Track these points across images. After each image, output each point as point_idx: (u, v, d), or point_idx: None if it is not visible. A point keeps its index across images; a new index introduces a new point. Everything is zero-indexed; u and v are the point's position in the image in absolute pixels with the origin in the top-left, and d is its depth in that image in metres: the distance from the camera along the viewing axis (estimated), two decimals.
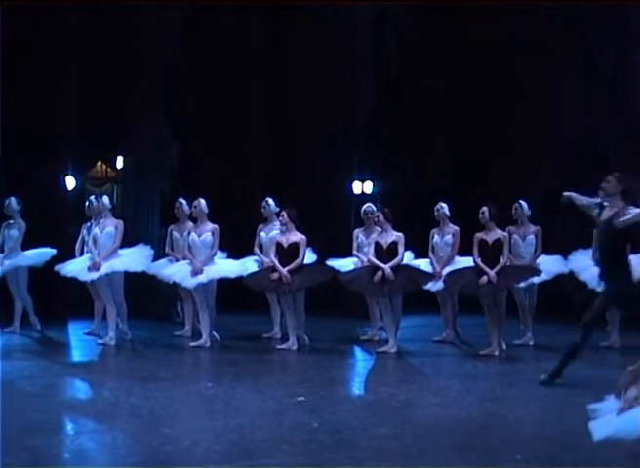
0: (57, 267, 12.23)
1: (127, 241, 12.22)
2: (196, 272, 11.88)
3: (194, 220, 12.33)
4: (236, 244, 12.80)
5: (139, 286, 12.98)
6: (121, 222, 12.08)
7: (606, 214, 9.07)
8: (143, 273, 12.34)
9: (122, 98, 14.91)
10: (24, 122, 14.07)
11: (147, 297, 13.89)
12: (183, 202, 12.62)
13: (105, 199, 12.22)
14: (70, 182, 15.01)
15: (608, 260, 9.19)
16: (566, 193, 9.47)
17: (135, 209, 14.84)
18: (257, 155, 16.22)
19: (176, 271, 12.21)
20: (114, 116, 14.96)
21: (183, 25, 14.98)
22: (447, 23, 16.05)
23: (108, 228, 11.93)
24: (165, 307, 14.16)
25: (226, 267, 12.23)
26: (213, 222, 12.11)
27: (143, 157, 15.05)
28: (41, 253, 12.56)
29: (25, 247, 12.54)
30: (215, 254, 12.12)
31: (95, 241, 11.99)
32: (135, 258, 12.15)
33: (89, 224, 12.51)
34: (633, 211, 8.86)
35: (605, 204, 9.11)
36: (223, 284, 12.28)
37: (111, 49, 14.66)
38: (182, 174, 15.02)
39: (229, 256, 12.59)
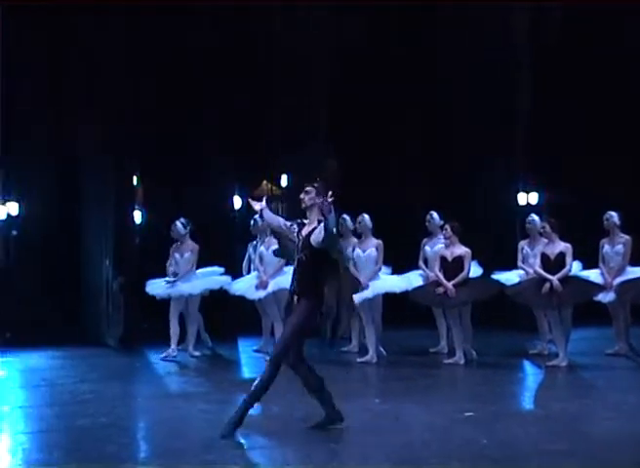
0: (225, 286, 12.47)
1: None
2: (362, 288, 11.92)
3: (358, 236, 12.37)
4: (401, 258, 12.76)
5: None
6: None
7: (305, 229, 7.93)
8: None
9: (285, 117, 15.10)
10: (193, 144, 14.46)
11: None
12: (347, 218, 12.65)
13: None
14: (237, 202, 15.31)
15: (304, 281, 7.85)
16: (258, 206, 8.27)
17: None
18: (419, 168, 16.15)
19: None
20: (278, 135, 15.18)
21: (344, 43, 15.07)
22: (607, 22, 15.53)
23: (273, 246, 12.09)
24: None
25: (391, 282, 12.23)
26: (377, 238, 12.12)
27: (307, 174, 15.18)
28: (212, 277, 12.67)
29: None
30: (380, 270, 12.13)
31: (261, 259, 12.19)
32: None
33: (255, 243, 12.69)
34: (321, 227, 7.76)
35: (305, 221, 8.01)
36: (389, 299, 12.26)
37: (273, 66, 14.87)
38: (346, 190, 15.08)
39: (394, 271, 12.57)
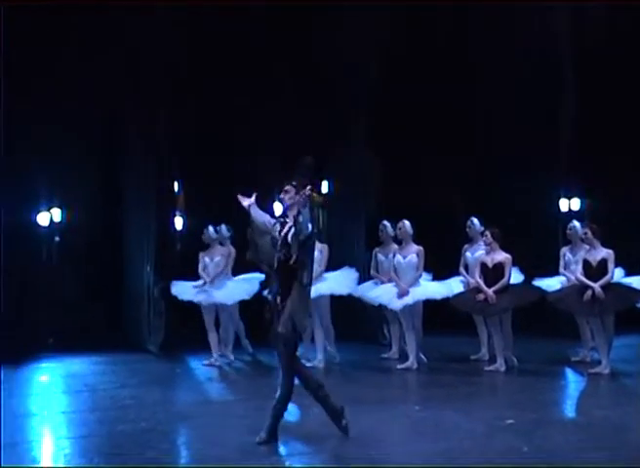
0: (265, 292, 12.45)
1: (332, 264, 12.35)
2: (402, 294, 11.90)
3: (399, 242, 12.33)
4: (441, 265, 12.70)
5: (345, 308, 13.06)
6: (326, 246, 12.21)
7: (285, 228, 7.78)
8: (349, 296, 12.45)
9: (325, 123, 15.08)
10: (235, 149, 14.51)
11: (354, 320, 13.96)
12: (387, 224, 12.65)
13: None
14: (277, 208, 15.30)
15: (285, 281, 7.76)
16: (247, 202, 8.00)
17: (340, 232, 14.96)
18: (460, 174, 16.07)
19: (381, 293, 12.26)
20: (318, 141, 15.14)
21: (384, 45, 15.03)
22: None
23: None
24: (371, 329, 14.17)
25: (432, 288, 12.19)
26: (417, 244, 12.09)
27: (348, 181, 15.17)
28: (245, 285, 12.67)
29: (235, 272, 12.76)
30: (420, 276, 12.10)
31: None
32: (340, 281, 12.27)
33: None
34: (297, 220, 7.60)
35: (287, 220, 7.81)
36: (429, 305, 12.21)
37: (312, 71, 14.87)
38: (386, 196, 15.05)
39: (435, 278, 12.52)
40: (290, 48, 14.77)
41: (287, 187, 7.84)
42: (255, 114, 14.73)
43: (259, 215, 8.00)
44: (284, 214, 7.88)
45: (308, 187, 7.64)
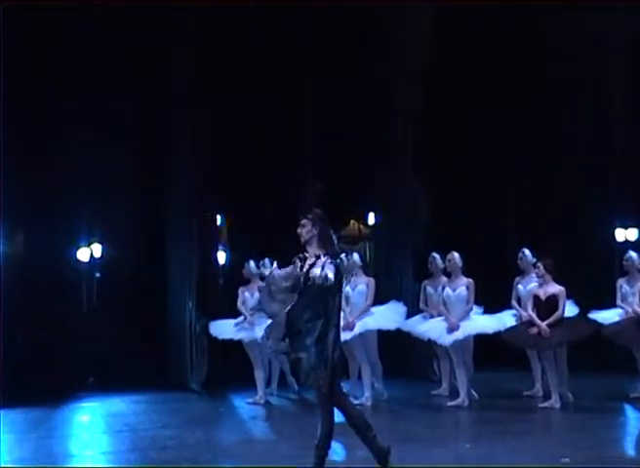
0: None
1: (380, 298, 12.12)
2: (452, 329, 11.61)
3: (448, 275, 12.08)
4: (493, 298, 12.38)
5: (393, 344, 12.80)
6: (372, 280, 11.99)
7: (306, 265, 7.47)
8: (397, 330, 12.19)
9: (371, 155, 14.96)
10: (276, 183, 14.39)
11: (402, 355, 13.72)
12: (437, 256, 12.40)
13: (355, 256, 12.13)
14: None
15: (311, 324, 7.35)
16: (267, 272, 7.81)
17: (387, 265, 14.79)
18: (512, 205, 15.86)
19: (431, 328, 12.00)
20: (364, 174, 15.02)
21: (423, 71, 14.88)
22: None
23: (360, 286, 11.85)
24: (421, 365, 13.90)
25: (483, 323, 11.90)
26: (467, 276, 11.80)
27: (395, 212, 14.99)
28: None
29: None
30: (471, 310, 11.82)
31: (346, 299, 11.89)
32: (388, 316, 12.04)
33: None
34: (330, 265, 7.37)
35: (307, 255, 7.53)
36: (480, 340, 11.89)
37: (356, 106, 14.75)
38: (435, 227, 14.83)
39: (486, 311, 12.21)
40: (336, 80, 14.70)
41: (303, 221, 7.61)
42: (298, 146, 14.65)
43: (281, 273, 7.64)
44: (303, 250, 7.60)
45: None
